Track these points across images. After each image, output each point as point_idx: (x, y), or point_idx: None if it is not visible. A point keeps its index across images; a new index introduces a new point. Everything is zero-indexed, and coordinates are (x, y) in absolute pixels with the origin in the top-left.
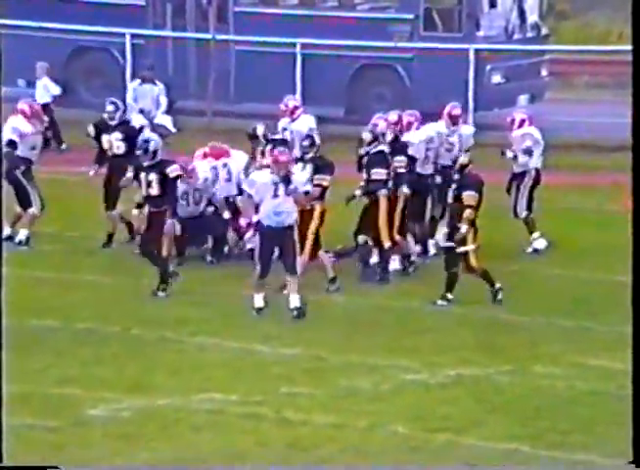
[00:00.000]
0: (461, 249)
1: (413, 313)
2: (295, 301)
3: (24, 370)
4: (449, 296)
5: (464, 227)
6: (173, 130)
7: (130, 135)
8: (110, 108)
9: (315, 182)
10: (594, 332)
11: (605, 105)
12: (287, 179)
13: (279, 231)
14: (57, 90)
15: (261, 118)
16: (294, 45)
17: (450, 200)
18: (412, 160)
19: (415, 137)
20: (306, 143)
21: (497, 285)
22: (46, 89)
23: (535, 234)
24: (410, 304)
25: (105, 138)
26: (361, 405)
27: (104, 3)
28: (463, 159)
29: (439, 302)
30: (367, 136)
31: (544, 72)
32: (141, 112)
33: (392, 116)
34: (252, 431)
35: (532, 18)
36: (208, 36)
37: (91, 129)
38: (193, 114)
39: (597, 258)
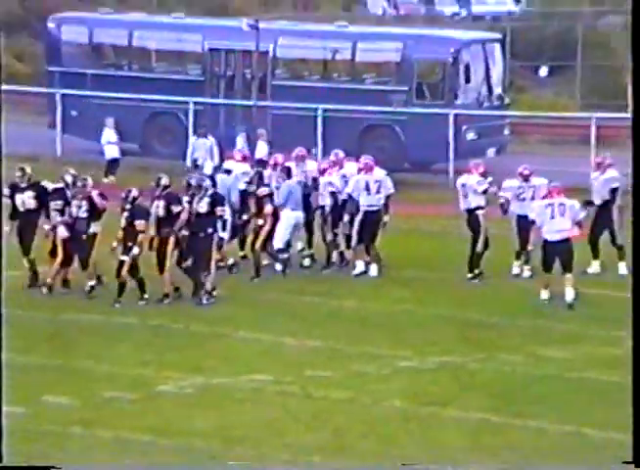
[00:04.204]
0: (122, 257)
1: (407, 315)
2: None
3: (111, 356)
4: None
5: (136, 249)
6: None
7: (40, 194)
8: (18, 173)
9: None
10: (548, 329)
11: (553, 157)
12: None
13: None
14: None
15: None
16: (316, 110)
17: (124, 224)
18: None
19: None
20: None
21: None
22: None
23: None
24: (405, 307)
25: (18, 197)
26: (367, 385)
27: (173, 79)
28: (134, 192)
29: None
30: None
31: (507, 132)
32: (195, 161)
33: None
34: (284, 404)
35: (497, 90)
36: (251, 103)
37: (6, 190)
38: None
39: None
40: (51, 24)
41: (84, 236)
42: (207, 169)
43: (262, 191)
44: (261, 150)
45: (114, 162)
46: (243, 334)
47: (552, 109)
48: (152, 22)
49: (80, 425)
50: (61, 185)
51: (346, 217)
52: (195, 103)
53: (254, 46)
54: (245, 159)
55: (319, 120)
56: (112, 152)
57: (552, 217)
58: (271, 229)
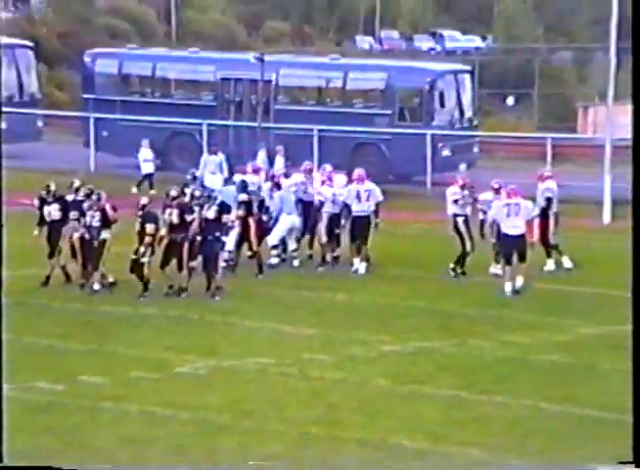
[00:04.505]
0: (141, 260)
1: (391, 306)
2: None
3: (134, 340)
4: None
5: (142, 249)
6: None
7: (64, 206)
8: (44, 191)
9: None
10: (511, 318)
11: (515, 171)
12: None
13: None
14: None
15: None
16: (312, 130)
17: (138, 228)
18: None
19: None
20: None
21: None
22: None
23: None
24: (389, 300)
25: (45, 209)
26: (357, 367)
27: (189, 104)
28: (144, 200)
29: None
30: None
31: (476, 149)
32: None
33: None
34: (284, 383)
35: (468, 114)
36: (256, 124)
37: (36, 202)
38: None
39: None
40: (87, 58)
41: (95, 242)
42: (217, 181)
43: (241, 197)
44: (278, 163)
45: (148, 176)
46: (249, 323)
47: (514, 130)
48: (172, 55)
49: (111, 400)
50: (80, 198)
51: (342, 222)
52: (208, 124)
53: (260, 76)
54: (255, 172)
55: (315, 140)
56: (147, 168)
57: (508, 215)
58: (257, 230)
